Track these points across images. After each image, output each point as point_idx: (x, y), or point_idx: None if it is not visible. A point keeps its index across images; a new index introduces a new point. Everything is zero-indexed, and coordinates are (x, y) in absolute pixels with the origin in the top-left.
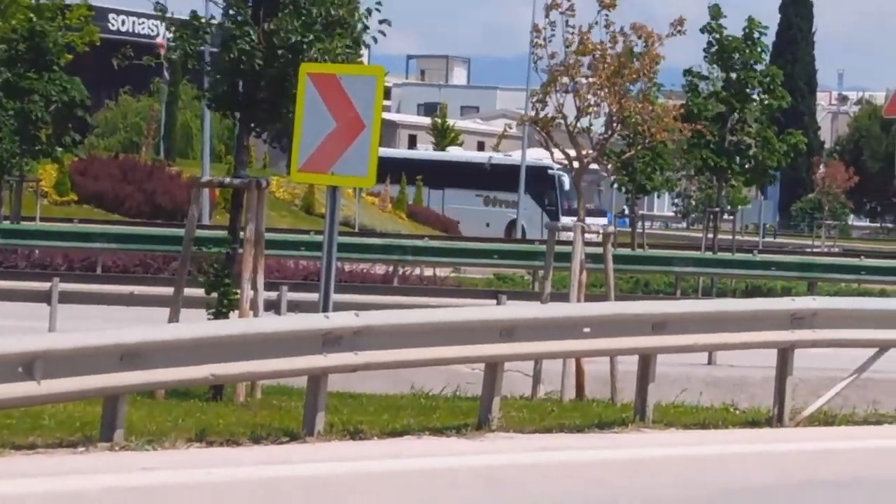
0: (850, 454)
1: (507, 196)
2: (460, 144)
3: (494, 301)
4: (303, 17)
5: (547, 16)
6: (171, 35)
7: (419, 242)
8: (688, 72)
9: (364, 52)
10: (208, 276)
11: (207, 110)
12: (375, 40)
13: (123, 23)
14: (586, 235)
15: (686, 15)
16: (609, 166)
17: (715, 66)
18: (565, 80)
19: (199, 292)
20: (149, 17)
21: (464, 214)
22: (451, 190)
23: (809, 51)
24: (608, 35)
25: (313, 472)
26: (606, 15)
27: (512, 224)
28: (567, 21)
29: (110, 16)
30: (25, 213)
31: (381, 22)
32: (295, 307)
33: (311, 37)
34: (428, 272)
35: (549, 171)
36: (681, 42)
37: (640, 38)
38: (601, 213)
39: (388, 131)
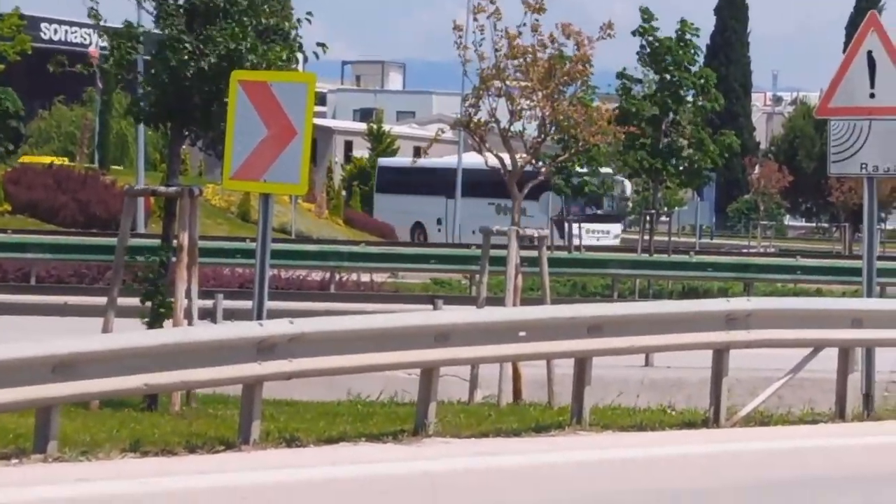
0: (786, 454)
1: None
2: (396, 150)
3: (431, 306)
4: (236, 27)
5: (475, 19)
6: (104, 43)
7: (356, 248)
8: (621, 74)
9: (299, 62)
10: (142, 285)
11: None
12: (317, 56)
13: (56, 32)
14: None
15: (622, 18)
16: (543, 170)
17: (648, 68)
18: (497, 83)
19: (134, 301)
20: (81, 25)
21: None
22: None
23: (745, 52)
24: (536, 39)
25: (249, 480)
26: (536, 18)
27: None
28: (495, 25)
29: (42, 25)
30: None
31: (318, 44)
32: (231, 315)
33: (246, 45)
34: (365, 278)
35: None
36: (615, 45)
37: (568, 37)
38: (615, 219)
39: (324, 137)
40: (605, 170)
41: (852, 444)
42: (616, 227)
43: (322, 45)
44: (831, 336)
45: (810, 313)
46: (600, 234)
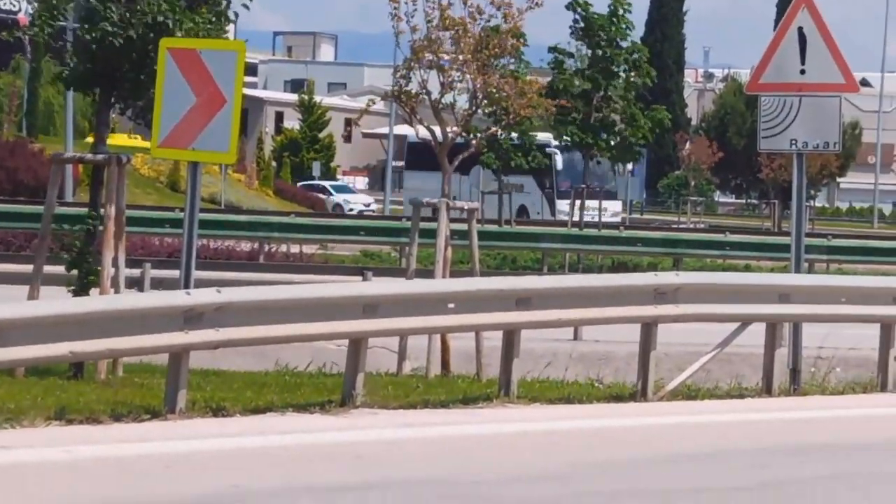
0: (712, 427)
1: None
2: (327, 122)
3: (360, 277)
4: None
5: None
6: (31, 11)
7: (285, 219)
8: (553, 48)
9: (230, 28)
10: (70, 253)
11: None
12: (237, 15)
13: None
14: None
15: None
16: (474, 142)
17: (581, 42)
18: (429, 55)
19: (61, 270)
20: None
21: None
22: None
23: (680, 29)
24: (467, 11)
25: (174, 449)
26: None
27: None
28: None
29: None
30: None
31: (242, 5)
32: (158, 284)
33: (174, 18)
34: (294, 249)
35: (548, 149)
36: (547, 19)
37: (498, 9)
38: (612, 195)
39: (255, 108)
40: (544, 135)
41: (778, 419)
42: (615, 205)
43: (244, 5)
44: (759, 311)
45: (738, 288)
46: (599, 211)
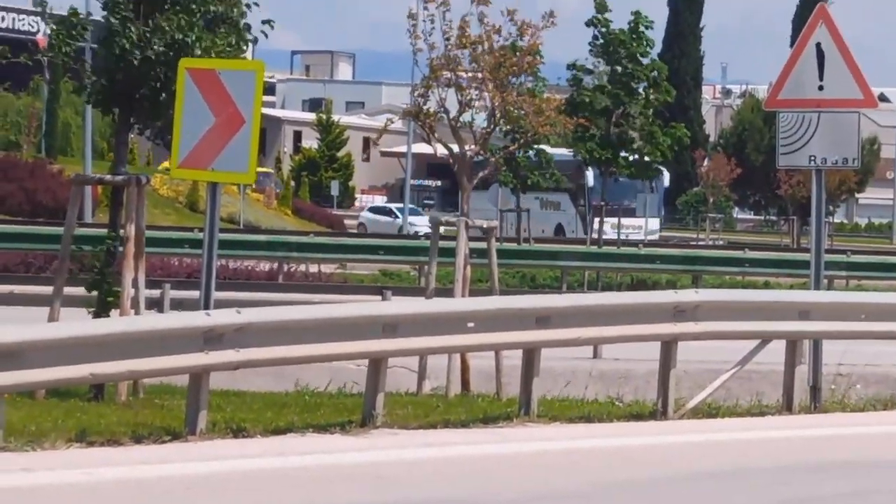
0: (733, 446)
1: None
2: (346, 140)
3: (380, 297)
4: (183, 15)
5: (426, 8)
6: (48, 29)
7: (304, 239)
8: (572, 65)
9: (248, 48)
10: (89, 274)
11: (89, 107)
12: (256, 40)
13: (3, 19)
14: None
15: (574, 9)
16: (492, 160)
17: (600, 59)
18: (447, 74)
19: (81, 291)
20: (28, 13)
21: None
22: None
23: (697, 45)
24: (484, 29)
25: (195, 470)
26: (481, 10)
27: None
28: (444, 14)
29: None
30: None
31: (264, 22)
32: (178, 305)
33: (193, 36)
34: (313, 269)
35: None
36: (566, 35)
37: (512, 22)
38: (630, 213)
39: (273, 127)
40: (563, 152)
41: (798, 436)
42: (653, 223)
43: (268, 22)
44: (779, 328)
45: (758, 305)
46: (632, 230)
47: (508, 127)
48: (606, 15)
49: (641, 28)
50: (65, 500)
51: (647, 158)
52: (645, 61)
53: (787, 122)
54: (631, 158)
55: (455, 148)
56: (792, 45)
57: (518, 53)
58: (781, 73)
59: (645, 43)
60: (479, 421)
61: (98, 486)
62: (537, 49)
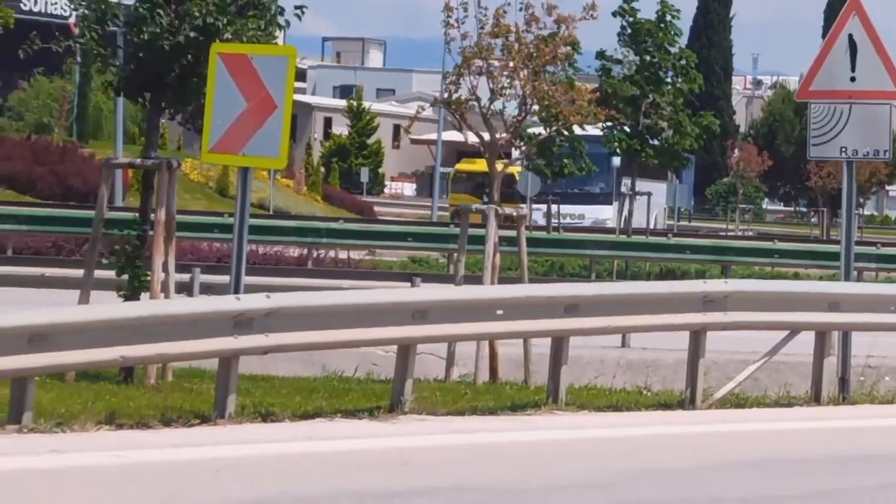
0: (761, 436)
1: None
2: (376, 127)
3: (409, 284)
4: (213, 1)
5: None
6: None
7: (334, 225)
8: (601, 55)
9: (279, 34)
10: (119, 258)
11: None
12: (289, 23)
13: (36, 3)
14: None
15: None
16: (524, 149)
17: (628, 49)
18: (479, 62)
19: (111, 274)
20: None
21: None
22: None
23: (726, 35)
24: (524, 17)
25: (224, 454)
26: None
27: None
28: (479, 2)
29: None
30: None
31: (296, 8)
32: (208, 289)
33: (225, 19)
34: (343, 255)
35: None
36: (595, 25)
37: (549, 15)
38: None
39: (304, 113)
40: (593, 130)
41: (826, 428)
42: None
43: (300, 8)
44: (808, 319)
45: (787, 296)
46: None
47: (540, 115)
48: (633, 4)
49: (669, 17)
50: (94, 482)
51: (675, 147)
52: (673, 50)
53: (819, 114)
54: (659, 148)
55: (486, 136)
56: (824, 36)
57: (551, 43)
58: (813, 64)
59: (672, 32)
60: (507, 408)
61: (128, 469)
62: (574, 40)
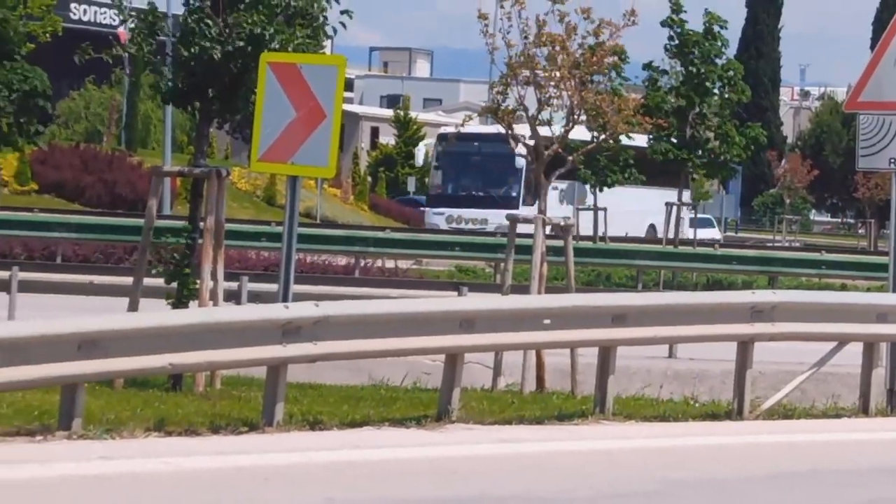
0: (809, 447)
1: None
2: (423, 137)
3: (455, 293)
4: (264, 9)
5: (502, 6)
6: (133, 24)
7: (381, 234)
8: (647, 66)
9: (326, 43)
10: (168, 266)
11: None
12: (335, 31)
13: (85, 12)
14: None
15: (651, 9)
16: (570, 158)
17: (675, 60)
18: (525, 72)
19: (159, 282)
20: (110, 6)
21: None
22: None
23: (775, 46)
24: (563, 27)
25: (272, 461)
26: (558, 8)
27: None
28: (520, 13)
29: (72, 5)
30: None
31: (342, 13)
32: (255, 297)
33: (273, 29)
34: (389, 264)
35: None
36: (642, 36)
37: (586, 19)
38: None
39: (351, 123)
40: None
41: (874, 439)
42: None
43: (346, 12)
44: (856, 331)
45: (836, 307)
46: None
47: (587, 124)
48: (682, 15)
49: (716, 28)
50: (143, 489)
51: (721, 158)
52: (720, 61)
53: (868, 125)
54: (706, 159)
55: (533, 144)
56: (872, 47)
57: (598, 52)
58: (862, 75)
59: (720, 43)
60: (553, 418)
61: (176, 476)
62: (621, 49)
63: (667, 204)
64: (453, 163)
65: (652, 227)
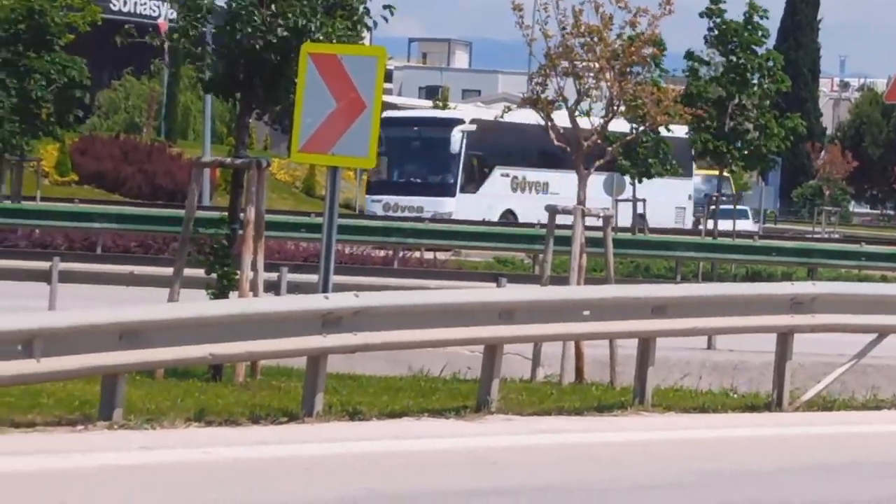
0: (848, 439)
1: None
2: None
3: (494, 284)
4: (306, 3)
5: None
6: (173, 15)
7: (419, 225)
8: (689, 55)
9: (366, 35)
10: (208, 256)
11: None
12: (376, 24)
13: (125, 3)
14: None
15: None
16: (610, 149)
17: (715, 50)
18: (564, 63)
19: (199, 273)
20: None
21: None
22: None
23: (814, 37)
24: (599, 18)
25: (312, 451)
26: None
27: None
28: (557, 4)
29: None
30: (26, 192)
31: (385, 7)
32: (295, 288)
33: (315, 22)
34: (428, 255)
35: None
36: (683, 26)
37: (622, 8)
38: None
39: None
40: (679, 131)
41: None
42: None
43: (389, 7)
44: None
45: (876, 299)
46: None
47: (627, 115)
48: (721, 5)
49: (756, 18)
50: (183, 479)
51: (761, 149)
52: (760, 51)
53: None
54: (745, 151)
55: (572, 135)
56: None
57: (638, 43)
58: None
59: (760, 33)
60: (593, 409)
61: (216, 465)
62: (659, 39)
63: (706, 195)
64: (393, 148)
65: (681, 210)
